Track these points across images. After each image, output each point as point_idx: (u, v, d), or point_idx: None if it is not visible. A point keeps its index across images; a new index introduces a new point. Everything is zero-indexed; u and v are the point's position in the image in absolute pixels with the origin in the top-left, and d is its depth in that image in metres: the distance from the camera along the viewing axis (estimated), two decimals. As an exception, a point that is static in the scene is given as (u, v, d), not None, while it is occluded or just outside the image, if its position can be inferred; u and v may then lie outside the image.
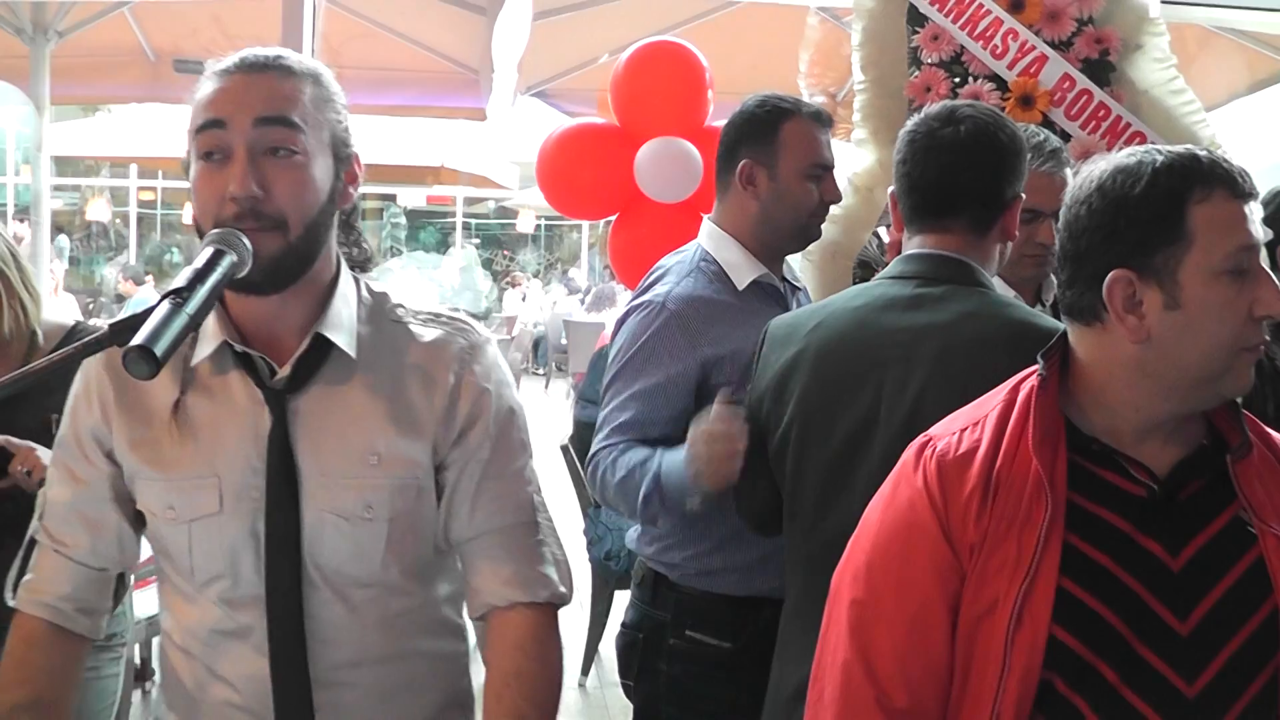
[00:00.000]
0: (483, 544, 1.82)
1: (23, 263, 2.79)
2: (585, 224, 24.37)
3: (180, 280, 1.49)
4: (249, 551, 1.73)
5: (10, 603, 1.84)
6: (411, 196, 24.64)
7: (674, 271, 2.70)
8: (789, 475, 2.28)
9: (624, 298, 15.49)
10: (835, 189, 2.72)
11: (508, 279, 22.38)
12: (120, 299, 13.30)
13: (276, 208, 1.66)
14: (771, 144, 2.65)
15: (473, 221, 28.84)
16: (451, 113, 9.30)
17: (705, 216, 2.81)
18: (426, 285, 18.21)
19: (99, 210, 20.12)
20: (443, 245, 26.59)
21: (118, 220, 22.79)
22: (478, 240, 28.73)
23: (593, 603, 5.71)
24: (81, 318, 2.95)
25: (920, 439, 1.74)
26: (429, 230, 29.23)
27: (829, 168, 2.70)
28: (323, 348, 1.74)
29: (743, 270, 2.68)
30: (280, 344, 1.75)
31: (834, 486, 2.19)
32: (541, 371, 18.73)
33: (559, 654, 1.83)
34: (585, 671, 5.83)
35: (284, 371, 1.73)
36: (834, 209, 2.79)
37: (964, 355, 2.09)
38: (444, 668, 1.90)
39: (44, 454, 2.51)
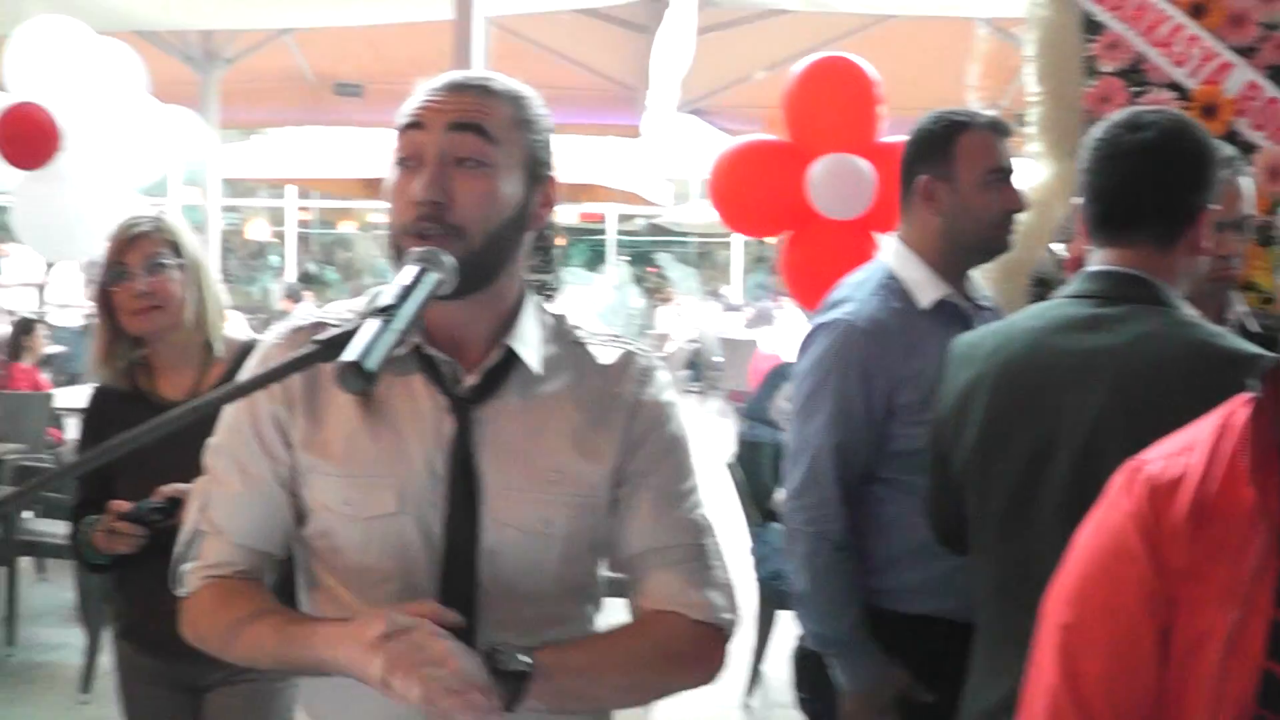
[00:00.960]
0: (650, 565, 1.81)
1: (211, 275, 2.89)
2: (739, 241, 24.34)
3: (388, 297, 1.51)
4: (423, 557, 1.74)
5: (180, 591, 1.83)
6: (563, 214, 24.82)
7: (858, 290, 2.70)
8: (972, 498, 2.24)
9: (784, 317, 15.46)
10: (1016, 197, 2.68)
11: (660, 296, 22.43)
12: (280, 316, 13.67)
13: (458, 217, 1.67)
14: (948, 157, 2.64)
15: (624, 239, 29.00)
16: (605, 130, 9.40)
17: (893, 235, 2.80)
18: (579, 303, 18.33)
19: (258, 230, 20.68)
20: (595, 263, 26.78)
21: (274, 239, 23.40)
22: (628, 257, 28.87)
23: (759, 622, 5.64)
24: (254, 334, 3.01)
25: (1131, 463, 1.69)
26: (580, 248, 29.48)
27: (1008, 173, 2.67)
28: (508, 361, 1.77)
29: (926, 289, 2.66)
30: (465, 353, 1.76)
31: (1017, 510, 2.15)
32: (696, 388, 18.72)
33: (702, 670, 1.82)
34: (750, 691, 5.78)
35: (472, 379, 1.75)
36: None
37: (1141, 379, 2.02)
38: None
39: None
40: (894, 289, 2.67)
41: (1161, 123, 2.12)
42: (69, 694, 5.73)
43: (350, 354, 1.40)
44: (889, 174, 3.93)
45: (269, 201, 24.91)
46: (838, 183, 3.96)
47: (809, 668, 2.75)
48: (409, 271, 1.58)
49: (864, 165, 3.96)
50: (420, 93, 1.75)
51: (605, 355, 1.84)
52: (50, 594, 7.28)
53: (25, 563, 6.92)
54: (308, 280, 20.73)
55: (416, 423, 1.75)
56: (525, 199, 1.76)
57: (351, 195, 18.63)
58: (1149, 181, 2.11)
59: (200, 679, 2.88)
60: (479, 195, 1.69)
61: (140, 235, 2.79)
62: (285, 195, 23.67)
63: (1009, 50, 5.73)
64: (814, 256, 4.09)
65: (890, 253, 2.76)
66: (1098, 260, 2.18)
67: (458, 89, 1.73)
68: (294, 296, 13.45)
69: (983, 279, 3.44)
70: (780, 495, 2.76)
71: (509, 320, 1.78)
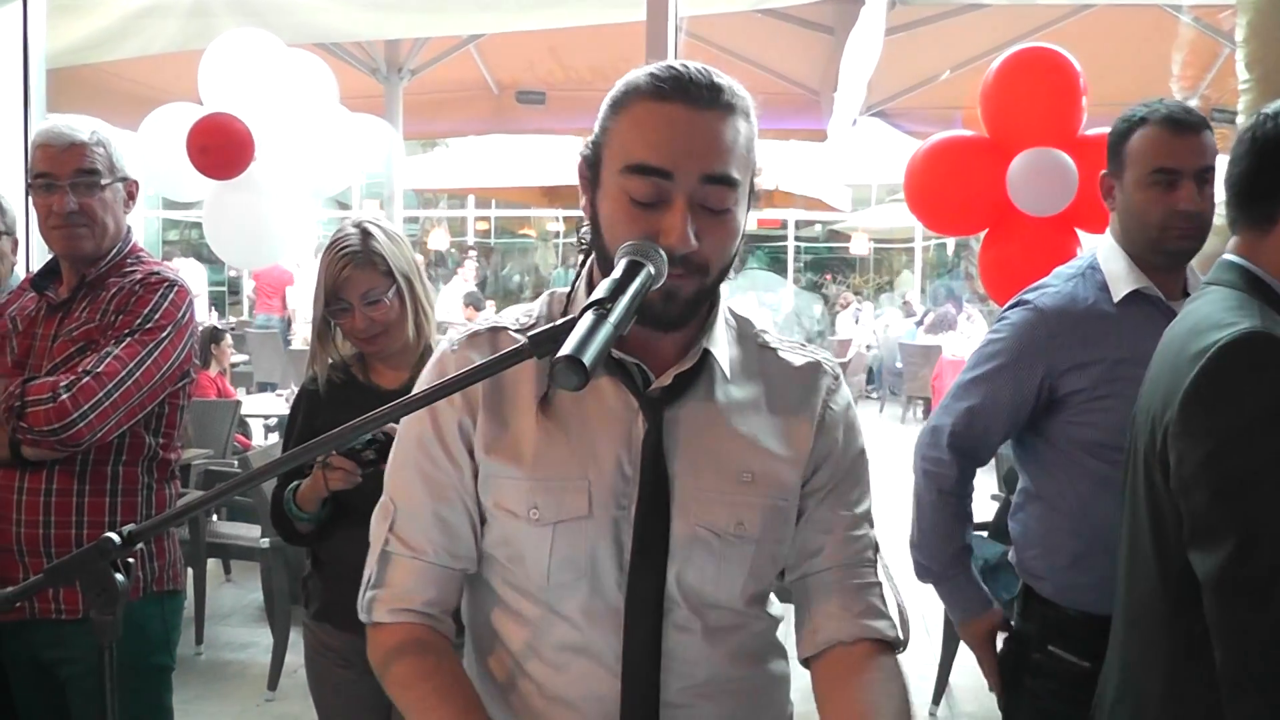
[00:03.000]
0: (831, 579, 1.79)
1: (425, 278, 3.00)
2: (917, 246, 24.08)
3: (601, 291, 1.46)
4: (610, 561, 1.70)
5: (366, 619, 1.80)
6: (743, 220, 24.82)
7: (1060, 276, 2.73)
8: None
9: (964, 322, 15.20)
10: (1191, 196, 2.54)
11: (840, 302, 22.26)
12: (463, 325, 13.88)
13: (704, 258, 1.63)
14: (1120, 155, 2.63)
15: (801, 244, 28.87)
16: (788, 134, 9.31)
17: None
18: (760, 309, 18.27)
19: (439, 239, 21.12)
20: (772, 268, 26.67)
21: (453, 249, 23.85)
22: (803, 263, 28.73)
23: (945, 634, 5.61)
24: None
25: None
26: (757, 254, 29.43)
27: (1176, 173, 2.54)
28: (700, 362, 1.73)
29: (1121, 281, 2.63)
30: (656, 354, 1.72)
31: (1126, 498, 2.15)
32: (876, 395, 18.57)
33: (906, 691, 1.75)
34: (936, 701, 5.71)
35: (664, 381, 1.71)
36: (1215, 219, 2.60)
37: (1161, 352, 2.06)
38: (776, 691, 1.86)
39: None
40: (1094, 279, 2.68)
41: (1268, 112, 2.06)
42: (256, 691, 5.88)
43: (568, 348, 1.36)
44: (1091, 168, 3.80)
45: (449, 212, 25.42)
46: (1039, 178, 3.84)
47: (1004, 666, 2.82)
48: (620, 265, 1.53)
49: (1066, 160, 3.81)
50: (648, 100, 1.61)
51: (795, 360, 1.83)
52: (237, 595, 7.50)
53: (213, 565, 7.11)
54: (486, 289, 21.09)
55: (607, 424, 1.71)
56: (745, 218, 1.70)
57: (531, 204, 18.88)
58: (1242, 168, 2.07)
59: None
60: (725, 238, 1.65)
61: (351, 271, 2.88)
62: (466, 205, 24.12)
63: (1209, 40, 5.51)
64: (1014, 254, 4.00)
65: (1102, 244, 2.75)
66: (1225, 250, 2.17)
67: (700, 104, 1.60)
68: (476, 305, 13.62)
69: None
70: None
71: (704, 321, 1.75)
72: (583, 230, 1.79)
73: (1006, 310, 2.75)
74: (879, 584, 1.80)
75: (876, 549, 1.82)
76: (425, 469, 1.77)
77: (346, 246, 2.90)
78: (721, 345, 1.75)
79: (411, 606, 1.77)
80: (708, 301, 1.71)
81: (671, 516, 1.69)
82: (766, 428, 1.75)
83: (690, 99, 1.59)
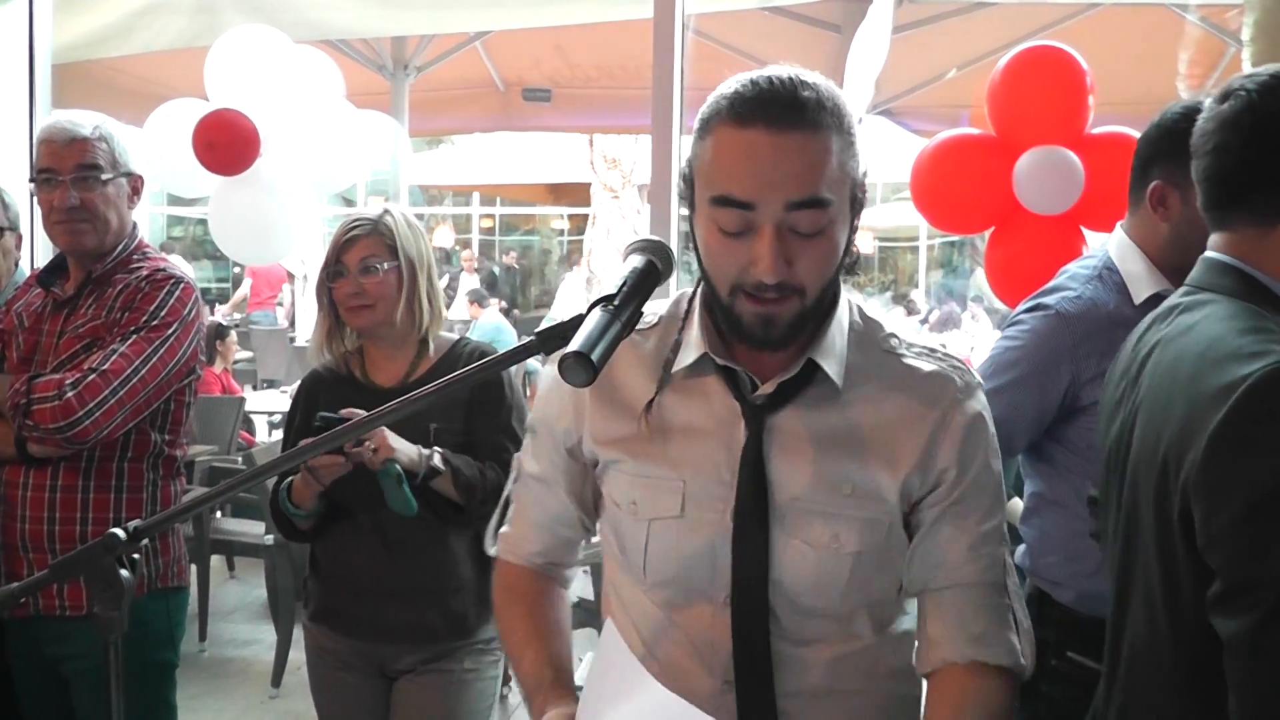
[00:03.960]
0: (951, 596, 1.74)
1: (435, 276, 3.01)
2: (921, 245, 24.04)
3: (610, 288, 1.47)
4: (705, 564, 1.71)
5: (490, 551, 1.99)
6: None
7: (1076, 279, 2.61)
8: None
9: (969, 320, 15.16)
10: None
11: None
12: (467, 322, 13.93)
13: (799, 281, 1.61)
14: (1188, 165, 2.30)
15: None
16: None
17: (1119, 224, 2.66)
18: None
19: (443, 237, 21.17)
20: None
21: (458, 246, 23.87)
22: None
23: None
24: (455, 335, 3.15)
25: None
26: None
27: None
28: (808, 370, 1.70)
29: (1142, 283, 2.54)
30: (764, 360, 1.70)
31: (1106, 512, 2.03)
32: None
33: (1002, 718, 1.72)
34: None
35: (768, 388, 1.70)
36: None
37: (1165, 374, 1.84)
38: (901, 713, 1.82)
39: (393, 438, 2.71)
40: (1112, 281, 2.58)
41: (1249, 87, 1.85)
42: (260, 688, 5.88)
43: (575, 344, 1.37)
44: (1098, 167, 3.79)
45: (454, 209, 25.41)
46: (1046, 177, 3.82)
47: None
48: (630, 262, 1.55)
49: (1073, 158, 3.79)
50: (729, 125, 1.58)
51: (920, 367, 1.76)
52: (241, 592, 7.50)
53: (216, 561, 7.11)
54: (492, 286, 21.11)
55: (709, 427, 1.72)
56: (850, 229, 1.67)
57: (537, 201, 18.88)
58: (1236, 155, 1.86)
59: (391, 664, 2.94)
60: (820, 259, 1.62)
61: (357, 237, 2.91)
62: (471, 202, 24.11)
63: (1215, 39, 5.50)
64: (1020, 252, 3.97)
65: (1114, 242, 2.63)
66: (1209, 246, 1.97)
67: (784, 126, 1.55)
68: (480, 302, 13.61)
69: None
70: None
71: (816, 329, 1.71)
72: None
73: (1022, 313, 2.65)
74: (1002, 605, 1.74)
75: (1009, 570, 1.76)
76: (539, 446, 1.91)
77: (360, 218, 2.96)
78: (834, 353, 1.71)
79: (520, 553, 1.96)
80: (816, 320, 1.68)
81: (770, 524, 1.69)
82: (875, 439, 1.71)
83: (771, 121, 1.56)
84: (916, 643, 1.78)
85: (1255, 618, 1.57)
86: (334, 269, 2.92)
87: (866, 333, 1.77)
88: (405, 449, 2.72)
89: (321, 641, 3.02)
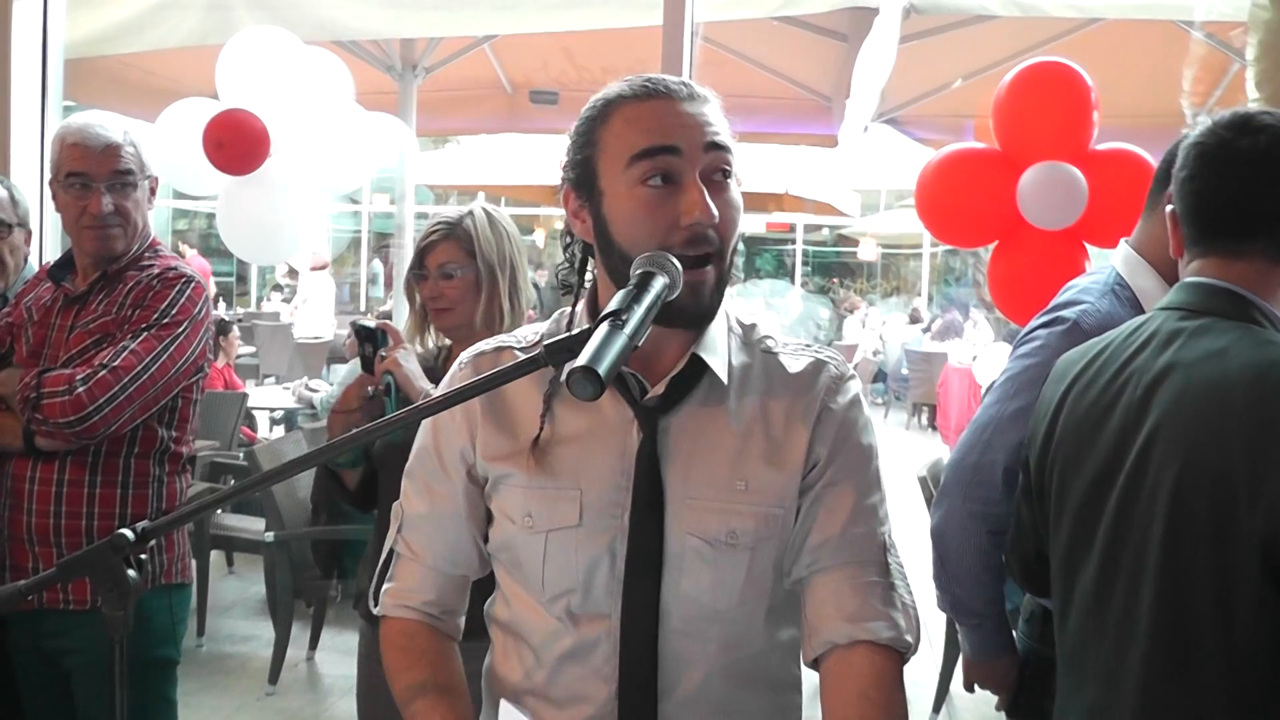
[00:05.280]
0: (828, 578, 1.73)
1: (520, 276, 3.04)
2: (925, 253, 24.06)
3: (616, 303, 1.49)
4: (604, 569, 1.71)
5: (375, 611, 1.90)
6: (751, 223, 24.89)
7: (1088, 292, 2.57)
8: (1050, 527, 2.13)
9: (973, 329, 15.16)
10: None
11: (846, 305, 22.22)
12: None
13: (720, 235, 1.67)
14: None
15: (809, 249, 28.85)
16: (799, 139, 9.33)
17: (1124, 240, 2.63)
18: (768, 313, 18.25)
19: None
20: (779, 272, 26.67)
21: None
22: (811, 267, 28.71)
23: (946, 641, 5.59)
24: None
25: None
26: (765, 257, 29.42)
27: None
28: (696, 370, 1.73)
29: (1154, 299, 2.45)
30: (653, 364, 1.73)
31: (1079, 543, 2.03)
32: (881, 401, 18.53)
33: (904, 701, 1.71)
34: (937, 709, 5.70)
35: (658, 389, 1.72)
36: None
37: (1198, 398, 1.85)
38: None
39: (405, 360, 2.81)
40: (1125, 296, 2.54)
41: (1275, 126, 1.94)
42: (257, 685, 5.90)
43: (583, 359, 1.38)
44: (1101, 183, 3.81)
45: (460, 209, 25.43)
46: (1050, 192, 3.84)
47: (1020, 691, 2.68)
48: (636, 276, 1.56)
49: (1076, 174, 3.81)
50: (633, 102, 1.71)
51: (795, 364, 1.80)
52: (240, 588, 7.53)
53: (216, 556, 7.13)
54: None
55: (602, 435, 1.73)
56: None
57: (541, 202, 18.88)
58: (1264, 190, 1.94)
59: None
60: (733, 210, 1.70)
61: (435, 241, 2.98)
62: (477, 201, 24.14)
63: (1220, 56, 5.51)
64: (1023, 266, 3.99)
65: (1120, 258, 2.61)
66: (1194, 271, 2.02)
67: (684, 98, 1.70)
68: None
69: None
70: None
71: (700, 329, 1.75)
72: (562, 263, 1.84)
73: (1038, 328, 2.59)
74: (884, 583, 1.73)
75: (885, 547, 1.75)
76: (427, 480, 1.85)
77: (441, 221, 3.02)
78: (719, 351, 1.75)
79: (411, 604, 1.87)
80: (722, 295, 1.71)
81: (665, 525, 1.70)
82: (764, 434, 1.74)
83: (669, 94, 1.69)
84: (803, 634, 1.77)
85: None
86: (418, 271, 2.99)
87: (745, 334, 1.82)
88: (412, 371, 2.80)
89: (368, 634, 3.00)
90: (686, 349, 1.73)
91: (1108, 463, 1.98)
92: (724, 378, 1.73)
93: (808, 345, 1.84)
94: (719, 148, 1.68)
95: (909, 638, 1.72)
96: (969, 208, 4.07)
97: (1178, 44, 5.98)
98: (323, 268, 16.72)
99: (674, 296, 1.59)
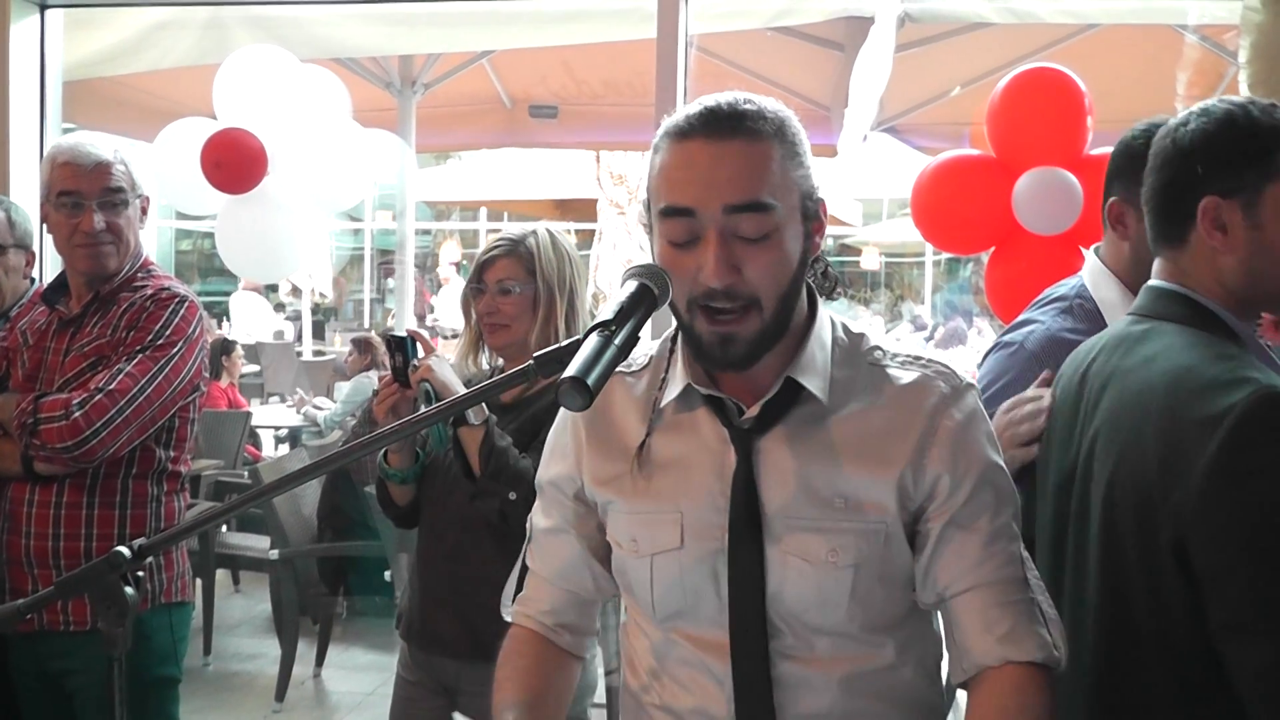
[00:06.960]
0: (972, 599, 1.71)
1: (580, 299, 3.00)
2: (927, 261, 24.04)
3: (607, 313, 1.49)
4: (709, 590, 1.72)
5: (506, 616, 1.98)
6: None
7: (1047, 310, 2.55)
8: (1036, 527, 2.13)
9: (974, 336, 15.14)
10: None
11: (849, 313, 22.21)
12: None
13: (750, 289, 1.63)
14: (1139, 179, 2.18)
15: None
16: (800, 149, 9.31)
17: (1089, 250, 2.61)
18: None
19: (450, 252, 21.21)
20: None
21: (465, 261, 23.89)
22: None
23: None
24: None
25: None
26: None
27: None
28: (793, 389, 1.71)
29: (1117, 310, 2.42)
30: (751, 385, 1.73)
31: (1053, 544, 2.05)
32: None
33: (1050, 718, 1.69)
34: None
35: (752, 412, 1.72)
36: None
37: (1128, 405, 1.86)
38: None
39: (439, 367, 2.76)
40: (1084, 310, 2.50)
41: (1211, 111, 1.92)
42: (264, 703, 5.90)
43: (572, 370, 1.39)
44: (1097, 188, 3.80)
45: (461, 224, 25.42)
46: (1045, 198, 3.84)
47: None
48: (627, 287, 1.56)
49: (1071, 180, 3.82)
50: (671, 140, 1.65)
51: (905, 376, 1.75)
52: (246, 606, 7.52)
53: (221, 575, 7.13)
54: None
55: (700, 457, 1.74)
56: (804, 241, 1.69)
57: (544, 216, 18.90)
58: (1148, 183, 1.99)
59: (454, 680, 2.88)
60: (768, 265, 1.63)
61: (496, 257, 2.95)
62: (478, 217, 24.13)
63: (1215, 59, 5.51)
64: (1020, 273, 3.98)
65: (1087, 269, 2.58)
66: (1154, 272, 2.03)
67: (721, 135, 1.61)
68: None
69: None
70: None
71: (795, 348, 1.73)
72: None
73: (991, 353, 2.58)
74: (1026, 601, 1.70)
75: (1027, 563, 1.74)
76: (547, 500, 1.94)
77: (504, 237, 2.99)
78: (816, 370, 1.72)
79: (531, 614, 1.95)
80: (778, 335, 1.68)
81: (764, 546, 1.69)
82: (864, 450, 1.70)
83: (710, 131, 1.62)
84: (947, 655, 1.76)
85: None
86: (476, 286, 2.97)
87: (851, 347, 1.78)
88: (447, 377, 2.76)
89: (406, 657, 3.00)
90: (782, 370, 1.71)
91: (1071, 465, 2.00)
92: (822, 397, 1.71)
93: (918, 358, 1.79)
94: (747, 209, 1.61)
95: (1057, 652, 1.71)
96: (965, 214, 4.08)
97: (1172, 48, 5.98)
98: (254, 289, 16.73)
99: (666, 301, 1.60)
